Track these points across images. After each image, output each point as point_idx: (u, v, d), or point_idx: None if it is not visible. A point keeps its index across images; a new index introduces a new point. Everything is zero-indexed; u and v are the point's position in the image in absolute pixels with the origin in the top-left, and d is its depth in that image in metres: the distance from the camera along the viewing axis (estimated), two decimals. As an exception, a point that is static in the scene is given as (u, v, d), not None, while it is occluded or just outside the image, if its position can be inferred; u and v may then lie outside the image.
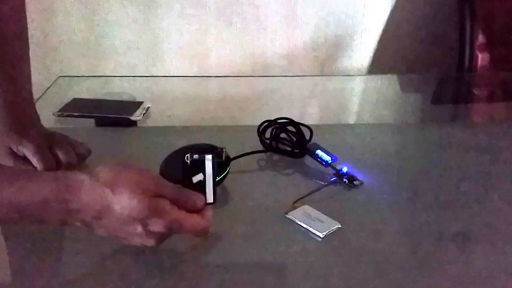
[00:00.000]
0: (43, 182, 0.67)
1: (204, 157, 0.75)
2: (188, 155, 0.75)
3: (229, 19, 1.95)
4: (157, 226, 0.69)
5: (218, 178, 0.88)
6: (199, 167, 0.76)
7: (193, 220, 0.72)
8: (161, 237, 0.71)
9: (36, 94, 1.02)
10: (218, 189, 0.89)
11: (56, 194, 0.66)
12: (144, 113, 1.20)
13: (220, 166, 0.89)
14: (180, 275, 0.76)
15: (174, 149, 0.93)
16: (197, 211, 0.74)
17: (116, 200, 0.67)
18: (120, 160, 0.73)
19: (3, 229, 0.84)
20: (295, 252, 0.79)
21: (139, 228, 0.69)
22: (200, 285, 0.74)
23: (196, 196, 0.74)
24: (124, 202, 0.67)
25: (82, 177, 0.68)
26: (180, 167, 0.76)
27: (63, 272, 0.77)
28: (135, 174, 0.70)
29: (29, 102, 0.98)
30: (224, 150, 0.81)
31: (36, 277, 0.73)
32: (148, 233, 0.70)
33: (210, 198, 0.76)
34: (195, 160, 0.76)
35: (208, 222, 0.74)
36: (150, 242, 0.71)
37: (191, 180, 0.76)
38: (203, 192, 0.75)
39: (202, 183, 0.76)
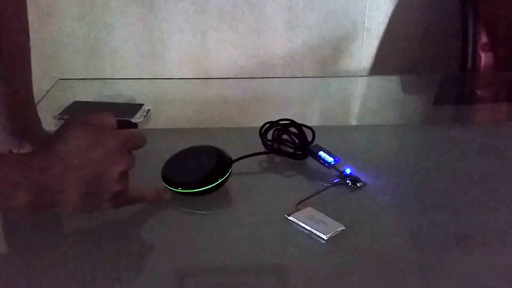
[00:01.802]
0: None
1: None
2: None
3: (230, 20, 1.94)
4: (108, 138, 0.73)
5: (220, 180, 0.88)
6: None
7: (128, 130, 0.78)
8: (122, 153, 0.75)
9: (36, 97, 1.01)
10: (220, 192, 0.89)
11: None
12: (145, 115, 1.19)
13: (222, 168, 0.89)
14: (181, 277, 0.75)
15: (175, 151, 0.92)
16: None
17: (59, 138, 0.72)
18: None
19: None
20: (298, 254, 0.78)
21: (99, 150, 0.72)
22: (200, 287, 0.74)
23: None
24: (66, 132, 0.72)
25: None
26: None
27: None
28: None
29: (30, 105, 0.98)
30: None
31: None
32: (111, 152, 0.73)
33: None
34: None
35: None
36: (122, 159, 0.74)
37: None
38: None
39: None
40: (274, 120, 1.04)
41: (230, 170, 0.90)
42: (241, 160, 0.95)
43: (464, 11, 1.83)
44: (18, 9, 0.94)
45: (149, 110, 1.21)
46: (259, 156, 1.00)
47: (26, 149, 0.92)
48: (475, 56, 1.81)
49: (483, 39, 1.81)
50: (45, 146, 0.73)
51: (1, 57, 0.92)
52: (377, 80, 1.78)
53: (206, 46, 1.97)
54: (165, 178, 0.88)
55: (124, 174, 0.75)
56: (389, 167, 1.01)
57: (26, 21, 0.95)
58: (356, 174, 0.93)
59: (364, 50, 2.02)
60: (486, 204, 0.89)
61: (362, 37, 2.01)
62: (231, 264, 0.77)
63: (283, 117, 1.04)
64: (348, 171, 0.93)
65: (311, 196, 0.87)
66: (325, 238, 0.79)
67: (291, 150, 1.00)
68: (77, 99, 1.26)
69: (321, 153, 0.96)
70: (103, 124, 0.75)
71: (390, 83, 1.61)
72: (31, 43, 0.96)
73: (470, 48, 1.81)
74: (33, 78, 0.97)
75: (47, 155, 0.71)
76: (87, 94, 1.35)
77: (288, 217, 0.83)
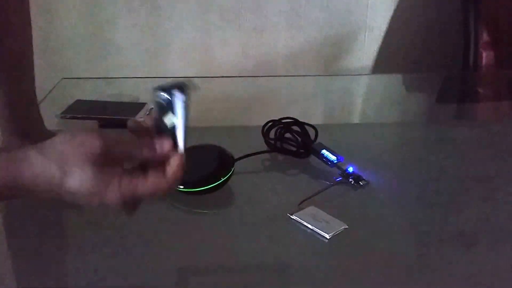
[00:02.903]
0: None
1: (171, 92, 0.65)
2: (158, 92, 0.66)
3: (232, 19, 1.94)
4: (111, 198, 0.64)
5: (222, 179, 0.88)
6: (169, 107, 0.66)
7: (150, 183, 0.64)
8: (122, 204, 0.66)
9: (39, 96, 1.01)
10: (223, 190, 0.89)
11: (10, 180, 0.63)
12: (148, 114, 1.19)
13: (225, 166, 0.89)
14: (184, 275, 0.75)
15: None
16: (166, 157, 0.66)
17: (66, 181, 0.63)
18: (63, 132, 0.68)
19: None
20: (301, 253, 0.79)
21: (96, 200, 0.65)
22: (204, 286, 0.73)
23: (161, 140, 0.66)
24: (75, 184, 0.63)
25: (32, 155, 0.63)
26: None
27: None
28: (79, 139, 0.64)
29: (33, 104, 0.98)
30: (186, 84, 0.66)
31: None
32: (106, 203, 0.65)
33: (180, 144, 0.65)
34: (164, 98, 0.66)
35: (170, 180, 0.65)
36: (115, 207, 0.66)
37: (163, 122, 0.66)
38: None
39: (174, 127, 0.66)
40: (277, 118, 1.04)
41: (232, 169, 0.90)
42: (244, 159, 0.95)
43: (465, 10, 1.83)
44: (20, 7, 0.94)
45: (152, 109, 1.21)
46: (262, 155, 1.00)
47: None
48: (477, 55, 1.80)
49: (485, 37, 1.81)
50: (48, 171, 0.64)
51: (4, 55, 0.93)
52: (379, 78, 1.78)
53: (209, 45, 1.97)
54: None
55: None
56: (391, 165, 1.01)
57: (28, 19, 0.95)
58: (359, 172, 0.93)
59: (367, 49, 2.02)
60: (489, 202, 0.90)
61: (365, 36, 2.01)
62: (234, 262, 0.77)
63: (286, 116, 1.04)
64: (351, 169, 0.93)
65: (314, 194, 0.87)
66: (328, 237, 0.79)
67: (294, 149, 1.00)
68: (80, 98, 1.26)
69: (324, 151, 0.96)
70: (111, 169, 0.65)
71: (393, 82, 1.61)
72: (34, 42, 0.96)
73: (471, 47, 1.81)
74: (37, 77, 0.97)
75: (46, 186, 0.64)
76: (90, 93, 1.35)
77: (291, 216, 0.83)
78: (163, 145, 0.65)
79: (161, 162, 0.65)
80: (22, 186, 0.64)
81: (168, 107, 0.65)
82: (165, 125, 0.65)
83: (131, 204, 0.66)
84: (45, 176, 0.63)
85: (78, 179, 0.63)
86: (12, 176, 0.63)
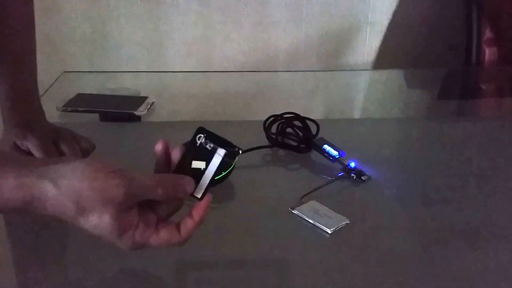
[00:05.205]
0: (6, 189, 0.60)
1: (217, 149, 0.65)
2: (203, 136, 0.66)
3: (234, 14, 1.94)
4: (124, 245, 0.64)
5: (223, 173, 0.88)
6: (205, 155, 0.65)
7: (161, 239, 0.65)
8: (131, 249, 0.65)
9: (40, 89, 1.01)
10: (223, 185, 0.89)
11: (20, 204, 0.61)
12: (149, 108, 1.19)
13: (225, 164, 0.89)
14: (184, 270, 0.75)
15: (178, 144, 0.92)
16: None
17: (81, 221, 0.62)
18: (90, 160, 0.66)
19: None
20: (303, 248, 0.78)
21: (106, 242, 0.64)
22: (205, 281, 0.73)
23: (186, 180, 0.65)
24: (89, 225, 0.62)
25: (47, 188, 0.61)
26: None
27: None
28: (101, 183, 0.61)
29: (34, 97, 0.98)
30: (239, 152, 0.66)
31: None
32: (116, 246, 0.64)
33: (198, 192, 0.65)
34: (204, 146, 0.65)
35: (184, 236, 0.66)
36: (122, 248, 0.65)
37: (190, 163, 0.66)
38: (196, 182, 0.65)
39: (199, 173, 0.66)
40: (278, 113, 1.04)
41: (234, 164, 0.90)
42: (245, 154, 0.95)
43: (468, 5, 1.83)
44: (24, 4, 0.94)
45: (153, 103, 1.21)
46: (263, 150, 1.00)
47: (30, 140, 0.92)
48: (479, 51, 1.80)
49: (487, 34, 1.81)
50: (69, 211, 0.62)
51: (7, 47, 0.93)
52: (381, 74, 1.78)
53: (210, 40, 1.97)
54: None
55: None
56: (393, 160, 1.01)
57: (32, 15, 0.95)
58: (360, 167, 0.93)
59: (368, 44, 2.01)
60: (490, 198, 0.90)
61: (366, 31, 2.00)
62: (235, 257, 0.77)
63: (287, 111, 1.04)
64: (352, 164, 0.93)
65: (316, 189, 0.87)
66: (330, 232, 0.79)
67: (295, 144, 1.00)
68: (81, 92, 1.26)
69: (326, 146, 0.96)
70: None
71: (394, 77, 1.61)
72: (36, 35, 0.96)
73: (474, 43, 1.81)
74: (38, 70, 0.97)
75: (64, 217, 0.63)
76: (91, 86, 1.35)
77: (292, 211, 0.83)
78: (187, 186, 0.65)
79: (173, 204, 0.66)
80: (31, 212, 0.62)
81: (203, 154, 0.66)
82: (188, 167, 0.66)
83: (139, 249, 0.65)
84: (58, 211, 0.62)
85: (94, 223, 0.62)
86: (21, 202, 0.61)
